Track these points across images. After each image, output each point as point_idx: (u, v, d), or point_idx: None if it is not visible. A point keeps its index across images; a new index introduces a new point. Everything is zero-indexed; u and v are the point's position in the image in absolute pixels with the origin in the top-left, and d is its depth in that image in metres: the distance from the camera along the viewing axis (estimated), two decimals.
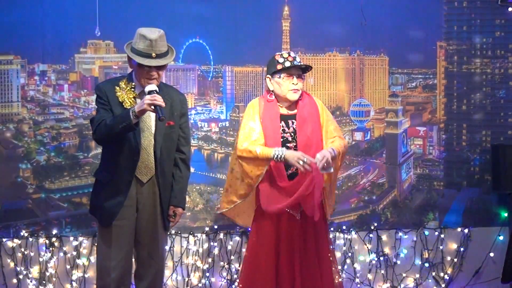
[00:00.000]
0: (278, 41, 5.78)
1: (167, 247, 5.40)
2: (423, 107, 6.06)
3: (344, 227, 5.73)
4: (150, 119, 3.82)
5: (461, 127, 5.96)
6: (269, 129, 4.03)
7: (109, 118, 3.66)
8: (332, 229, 5.57)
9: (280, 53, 4.09)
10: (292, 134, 4.06)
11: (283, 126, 4.08)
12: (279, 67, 4.02)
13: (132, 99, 3.78)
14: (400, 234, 5.73)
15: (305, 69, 4.11)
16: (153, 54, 3.67)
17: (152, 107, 3.56)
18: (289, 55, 4.05)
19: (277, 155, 3.88)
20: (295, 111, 4.12)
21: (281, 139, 4.03)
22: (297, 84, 4.03)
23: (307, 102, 4.14)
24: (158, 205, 3.91)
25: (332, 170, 3.90)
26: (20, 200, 5.58)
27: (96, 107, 3.85)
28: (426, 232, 5.75)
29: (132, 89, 3.80)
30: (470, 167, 5.95)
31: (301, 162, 3.81)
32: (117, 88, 3.79)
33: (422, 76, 6.05)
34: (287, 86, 4.03)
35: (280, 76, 4.02)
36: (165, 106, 3.66)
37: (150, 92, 3.62)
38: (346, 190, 5.92)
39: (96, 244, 4.30)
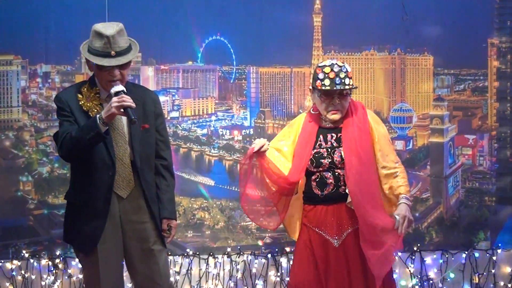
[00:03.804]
0: (309, 38, 5.74)
1: (184, 270, 5.39)
2: (473, 112, 5.98)
3: None
4: (122, 124, 3.63)
5: None
6: (299, 147, 3.78)
7: (74, 130, 3.50)
8: None
9: (322, 66, 3.67)
10: (329, 149, 3.75)
11: (320, 141, 3.79)
12: (318, 85, 3.68)
13: (99, 106, 3.60)
14: (447, 256, 5.55)
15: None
16: (112, 52, 3.51)
17: (122, 109, 3.41)
18: (332, 70, 3.64)
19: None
20: (341, 123, 3.81)
21: (315, 154, 3.73)
22: (338, 103, 3.69)
23: (355, 114, 3.78)
24: (147, 220, 3.68)
25: None
26: (20, 217, 5.58)
27: (59, 120, 3.67)
28: (476, 254, 5.57)
29: (97, 95, 3.62)
30: None
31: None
32: (80, 95, 3.61)
33: (471, 77, 5.98)
34: (326, 107, 3.72)
35: (319, 94, 3.72)
36: (137, 107, 3.53)
37: (117, 93, 3.46)
38: None
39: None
